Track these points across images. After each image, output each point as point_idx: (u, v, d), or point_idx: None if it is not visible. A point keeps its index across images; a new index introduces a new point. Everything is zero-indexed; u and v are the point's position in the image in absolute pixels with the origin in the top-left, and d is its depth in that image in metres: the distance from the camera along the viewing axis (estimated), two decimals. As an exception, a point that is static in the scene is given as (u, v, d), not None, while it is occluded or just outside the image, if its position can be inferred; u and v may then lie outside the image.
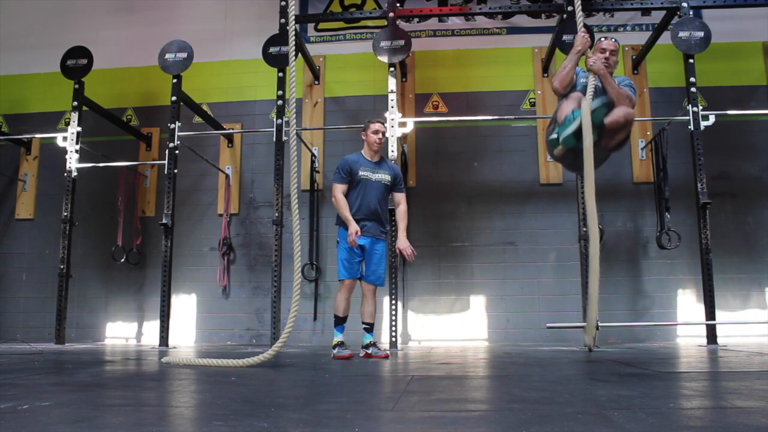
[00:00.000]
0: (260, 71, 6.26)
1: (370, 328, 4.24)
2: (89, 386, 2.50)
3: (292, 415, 1.78)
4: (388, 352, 4.27)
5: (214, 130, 6.38)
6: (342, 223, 4.24)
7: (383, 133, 4.38)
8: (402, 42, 5.48)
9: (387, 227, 4.40)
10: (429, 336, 6.05)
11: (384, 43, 5.48)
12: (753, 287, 5.92)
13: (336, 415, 1.75)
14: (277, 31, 5.65)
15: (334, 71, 6.70)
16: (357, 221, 4.19)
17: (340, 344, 4.13)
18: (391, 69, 5.48)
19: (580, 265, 5.14)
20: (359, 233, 4.12)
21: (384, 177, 4.35)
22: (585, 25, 3.86)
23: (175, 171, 5.59)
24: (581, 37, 3.69)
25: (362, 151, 4.41)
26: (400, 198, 4.45)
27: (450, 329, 6.04)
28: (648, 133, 6.22)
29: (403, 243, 4.32)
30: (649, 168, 6.09)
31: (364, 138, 4.41)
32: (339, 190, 4.26)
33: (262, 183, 6.46)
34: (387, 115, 5.35)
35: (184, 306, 6.31)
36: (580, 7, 3.74)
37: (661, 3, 5.65)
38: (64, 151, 5.90)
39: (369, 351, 4.13)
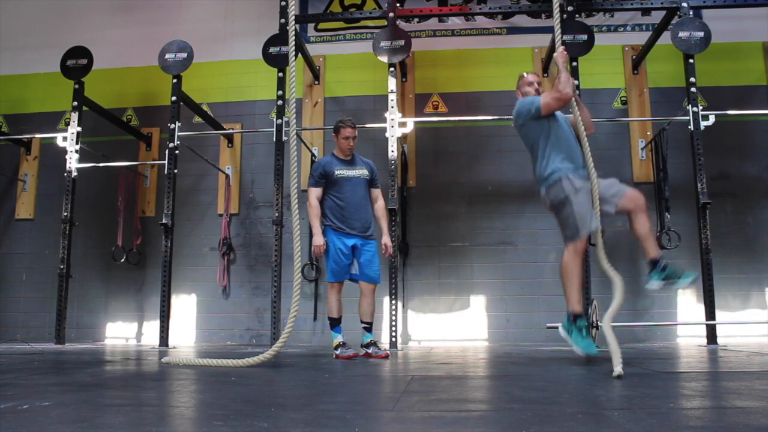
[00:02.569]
0: (260, 71, 6.25)
1: (369, 327, 4.21)
2: (89, 386, 2.50)
3: (292, 415, 1.78)
4: (388, 351, 4.24)
5: (214, 130, 6.38)
6: (331, 225, 4.18)
7: (353, 138, 4.24)
8: (402, 42, 5.48)
9: (373, 225, 4.31)
10: (429, 336, 6.05)
11: (384, 43, 5.48)
12: (753, 287, 5.92)
13: (336, 415, 1.74)
14: (277, 31, 5.65)
15: (334, 71, 6.70)
16: (342, 221, 4.15)
17: (342, 344, 4.11)
18: (391, 69, 5.48)
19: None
20: (323, 248, 4.11)
21: (362, 172, 4.28)
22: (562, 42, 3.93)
23: (175, 171, 5.59)
24: (564, 52, 3.76)
25: (334, 152, 4.34)
26: (378, 194, 4.37)
27: (450, 329, 6.04)
28: (648, 133, 6.22)
29: (388, 239, 4.31)
30: (649, 168, 6.09)
31: (335, 140, 4.33)
32: (313, 194, 4.19)
33: (262, 183, 6.46)
34: (387, 115, 5.35)
35: (184, 306, 6.31)
36: (560, 28, 3.79)
37: (661, 3, 5.64)
38: (64, 151, 5.89)
39: (369, 350, 4.11)
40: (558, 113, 3.77)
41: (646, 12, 6.47)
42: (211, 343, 6.10)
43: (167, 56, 5.66)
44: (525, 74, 3.97)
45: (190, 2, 7.08)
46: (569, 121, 3.86)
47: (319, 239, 4.12)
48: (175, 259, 5.64)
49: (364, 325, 4.21)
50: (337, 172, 4.20)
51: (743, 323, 5.63)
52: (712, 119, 5.25)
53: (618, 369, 2.58)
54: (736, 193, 6.09)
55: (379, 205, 4.37)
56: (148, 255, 6.45)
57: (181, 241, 6.19)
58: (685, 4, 5.51)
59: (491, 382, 2.83)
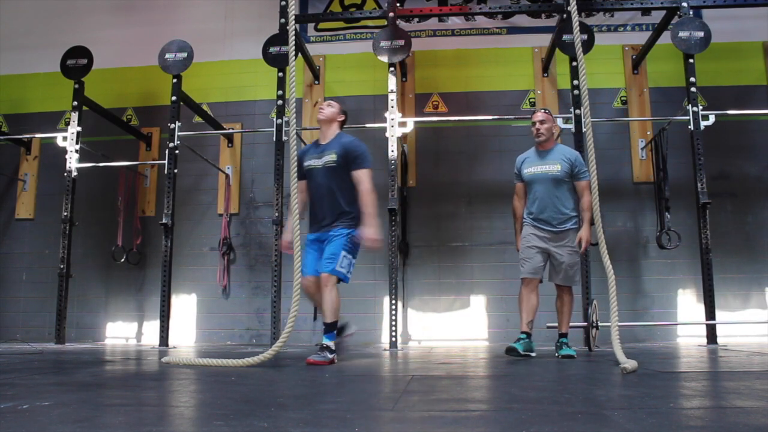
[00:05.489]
0: (260, 71, 6.26)
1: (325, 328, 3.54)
2: (89, 386, 2.50)
3: (292, 415, 1.78)
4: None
5: (214, 130, 6.38)
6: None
7: (324, 106, 3.80)
8: (402, 42, 5.48)
9: (344, 211, 3.65)
10: (429, 336, 6.05)
11: (384, 43, 5.48)
12: (753, 287, 5.92)
13: (336, 415, 1.74)
14: (277, 31, 5.65)
15: (334, 71, 6.70)
16: (310, 219, 3.79)
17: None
18: (391, 69, 5.48)
19: (580, 264, 5.13)
20: (288, 246, 3.56)
21: (329, 158, 3.65)
22: None
23: (175, 171, 5.59)
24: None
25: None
26: (358, 176, 3.62)
27: (450, 329, 6.04)
28: (648, 132, 6.22)
29: (366, 231, 3.56)
30: (649, 168, 6.09)
31: None
32: (299, 188, 3.75)
33: (262, 183, 6.47)
34: (387, 115, 5.35)
35: (184, 306, 6.31)
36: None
37: (661, 3, 5.64)
38: (64, 151, 5.90)
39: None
40: (542, 171, 4.12)
41: (646, 12, 6.47)
42: (211, 343, 6.10)
43: (167, 56, 5.66)
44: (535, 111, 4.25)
45: (190, 2, 7.08)
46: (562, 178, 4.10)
47: (286, 235, 3.73)
48: (175, 259, 5.64)
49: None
50: (306, 163, 3.78)
51: (743, 323, 5.63)
52: (712, 119, 5.26)
53: (627, 365, 2.83)
54: (736, 193, 6.09)
55: (359, 189, 3.64)
56: (148, 255, 6.46)
57: (181, 241, 6.19)
58: (685, 4, 5.51)
59: (491, 382, 2.83)
